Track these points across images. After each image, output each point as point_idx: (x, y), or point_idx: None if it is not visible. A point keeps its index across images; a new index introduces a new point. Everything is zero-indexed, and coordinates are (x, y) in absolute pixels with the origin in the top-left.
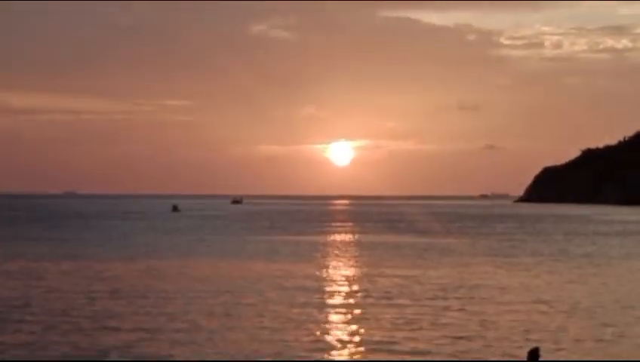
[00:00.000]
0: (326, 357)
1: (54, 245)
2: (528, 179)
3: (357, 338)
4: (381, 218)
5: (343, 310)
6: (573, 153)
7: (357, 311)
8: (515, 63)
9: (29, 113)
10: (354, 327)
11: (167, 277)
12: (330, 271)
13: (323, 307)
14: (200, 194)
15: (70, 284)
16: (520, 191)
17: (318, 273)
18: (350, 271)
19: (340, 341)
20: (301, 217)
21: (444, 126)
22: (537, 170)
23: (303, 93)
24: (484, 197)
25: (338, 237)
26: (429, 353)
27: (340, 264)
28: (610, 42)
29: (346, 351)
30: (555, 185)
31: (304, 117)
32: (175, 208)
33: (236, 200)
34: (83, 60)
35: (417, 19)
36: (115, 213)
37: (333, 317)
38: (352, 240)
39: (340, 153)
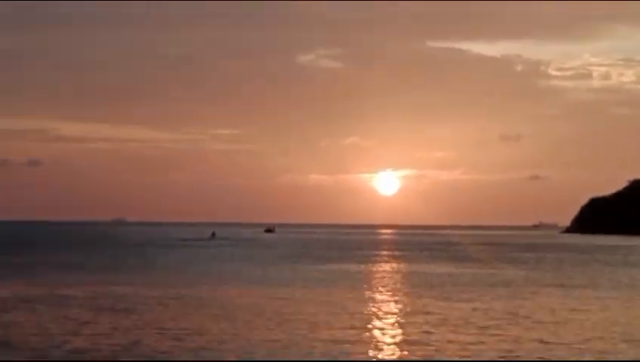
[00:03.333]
0: None
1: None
2: (575, 210)
3: None
4: (435, 247)
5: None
6: (621, 184)
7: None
8: (563, 94)
9: (79, 142)
10: None
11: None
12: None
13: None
14: (244, 221)
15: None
16: (567, 222)
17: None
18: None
19: None
20: (351, 246)
21: (489, 156)
22: (584, 201)
23: (349, 122)
24: (536, 227)
25: (394, 266)
26: None
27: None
28: None
29: None
30: (603, 215)
31: (349, 146)
32: (213, 235)
33: (269, 229)
34: (132, 90)
35: (466, 50)
36: (167, 241)
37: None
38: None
39: (387, 182)
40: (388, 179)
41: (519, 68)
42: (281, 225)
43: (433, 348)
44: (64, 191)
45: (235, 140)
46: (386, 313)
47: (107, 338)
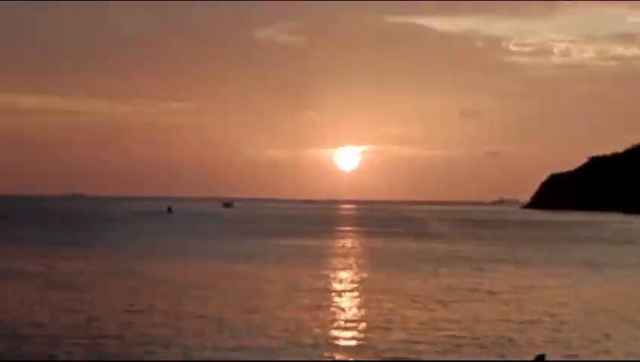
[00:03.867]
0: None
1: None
2: (535, 186)
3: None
4: (394, 223)
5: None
6: (580, 160)
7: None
8: (523, 70)
9: (33, 114)
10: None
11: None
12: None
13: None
14: (201, 196)
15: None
16: (528, 198)
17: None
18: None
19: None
20: (312, 221)
21: (449, 132)
22: (544, 177)
23: (307, 97)
24: (497, 203)
25: (350, 242)
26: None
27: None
28: (619, 50)
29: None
30: (562, 192)
31: (308, 121)
32: (169, 210)
33: (227, 204)
34: (86, 63)
35: (424, 25)
36: (123, 215)
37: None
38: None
39: (347, 158)
40: (348, 155)
41: (479, 44)
42: (240, 200)
43: (390, 324)
44: (18, 164)
45: (190, 114)
46: (344, 289)
47: (58, 315)
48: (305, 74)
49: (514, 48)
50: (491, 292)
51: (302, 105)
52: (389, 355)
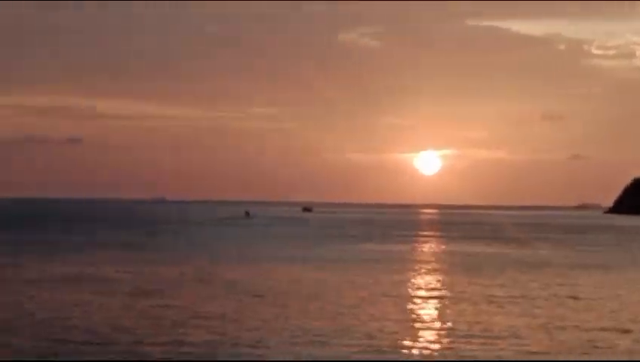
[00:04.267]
0: None
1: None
2: (618, 190)
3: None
4: (475, 227)
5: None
6: None
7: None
8: (605, 73)
9: (115, 119)
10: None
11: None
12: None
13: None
14: (281, 201)
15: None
16: (611, 202)
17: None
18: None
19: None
20: (393, 226)
21: (531, 136)
22: (627, 181)
23: (389, 101)
24: (579, 207)
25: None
26: None
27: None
28: None
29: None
30: None
31: (389, 125)
32: (247, 214)
33: (307, 208)
34: (170, 67)
35: (506, 28)
36: (205, 220)
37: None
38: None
39: (427, 162)
40: (429, 159)
41: (561, 47)
42: (320, 204)
43: (472, 329)
44: (103, 169)
45: (273, 118)
46: (426, 294)
47: (141, 320)
48: (386, 78)
49: (596, 51)
50: (574, 298)
51: (383, 110)
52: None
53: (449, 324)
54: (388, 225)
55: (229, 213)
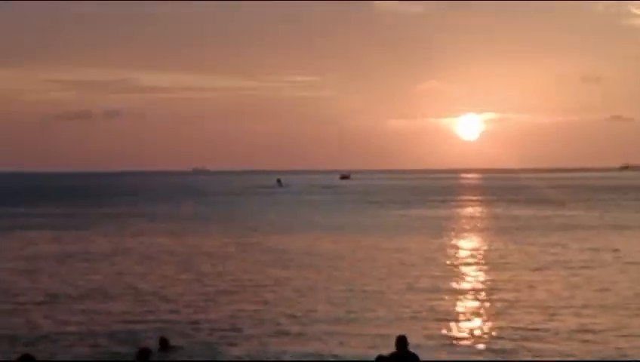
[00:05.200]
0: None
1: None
2: None
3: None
4: (519, 191)
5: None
6: None
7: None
8: None
9: (156, 91)
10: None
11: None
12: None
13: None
14: (322, 169)
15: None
16: None
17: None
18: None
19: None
20: (433, 191)
21: (570, 98)
22: None
23: (428, 67)
24: (623, 168)
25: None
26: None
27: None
28: None
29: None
30: None
31: (429, 90)
32: (279, 182)
33: (344, 176)
34: (209, 39)
35: None
36: (243, 190)
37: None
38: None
39: (468, 126)
40: (469, 123)
41: (600, 7)
42: (359, 172)
43: (517, 291)
44: (144, 141)
45: (313, 87)
46: (467, 259)
47: (187, 289)
48: (425, 43)
49: (635, 11)
50: (617, 258)
51: (423, 75)
52: (515, 324)
53: (486, 288)
54: (427, 191)
55: (266, 183)
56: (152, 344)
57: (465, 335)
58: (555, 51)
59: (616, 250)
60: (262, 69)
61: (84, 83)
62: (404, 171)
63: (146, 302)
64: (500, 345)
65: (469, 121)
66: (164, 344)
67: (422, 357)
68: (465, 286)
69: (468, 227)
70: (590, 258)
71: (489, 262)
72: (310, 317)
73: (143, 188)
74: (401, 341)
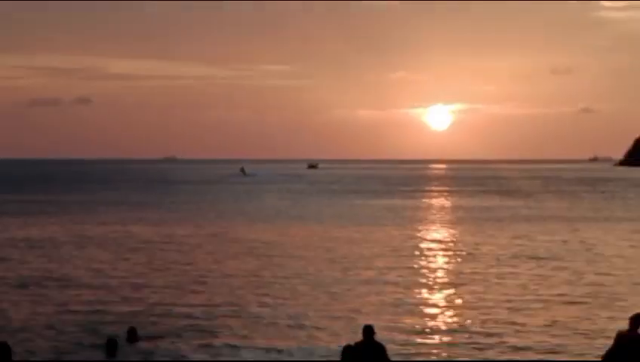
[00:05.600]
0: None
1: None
2: (629, 143)
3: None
4: (486, 182)
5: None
6: None
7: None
8: (615, 25)
9: (127, 79)
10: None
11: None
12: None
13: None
14: (291, 158)
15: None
16: (621, 155)
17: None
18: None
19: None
20: (402, 181)
21: (540, 89)
22: (638, 133)
23: (398, 57)
24: (592, 160)
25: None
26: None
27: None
28: None
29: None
30: None
31: (399, 80)
32: (242, 171)
33: (312, 165)
34: (181, 26)
35: None
36: (210, 178)
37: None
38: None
39: (438, 117)
40: (439, 114)
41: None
42: (329, 161)
43: (482, 285)
44: (114, 129)
45: (284, 76)
46: (433, 249)
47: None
48: (396, 34)
49: (606, 4)
50: (588, 250)
51: (393, 65)
52: (483, 317)
53: (452, 280)
54: (392, 181)
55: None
56: (121, 333)
57: (432, 327)
58: (525, 43)
59: (583, 241)
60: (234, 57)
61: (53, 70)
62: (374, 161)
63: (114, 291)
64: (467, 338)
65: (439, 111)
66: (132, 334)
67: (388, 348)
68: (432, 277)
69: (436, 217)
70: (558, 249)
71: (457, 253)
72: (277, 307)
73: (113, 175)
74: (368, 330)
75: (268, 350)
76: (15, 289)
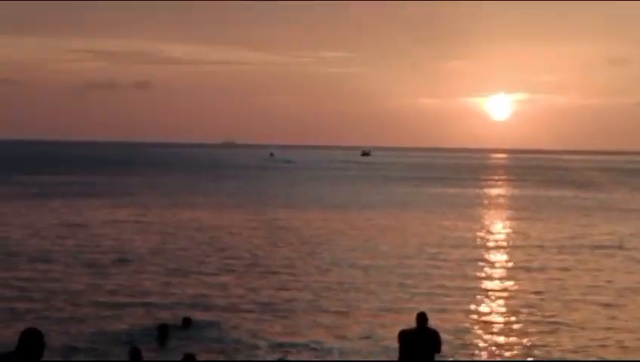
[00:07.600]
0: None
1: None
2: None
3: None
4: (548, 172)
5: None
6: None
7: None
8: None
9: (188, 64)
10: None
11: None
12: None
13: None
14: (348, 145)
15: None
16: None
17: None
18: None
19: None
20: (461, 170)
21: (597, 80)
22: None
23: (458, 46)
24: None
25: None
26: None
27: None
28: None
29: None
30: None
31: (460, 70)
32: (271, 155)
33: (365, 153)
34: (241, 13)
35: None
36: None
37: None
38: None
39: (499, 106)
40: (499, 103)
41: None
42: (386, 149)
43: (547, 274)
44: (173, 113)
45: (343, 64)
46: (493, 240)
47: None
48: (457, 23)
49: None
50: None
51: (454, 54)
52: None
53: (511, 269)
54: (448, 169)
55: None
56: (175, 321)
57: (482, 322)
58: (583, 33)
59: None
60: (293, 43)
61: (111, 53)
62: (432, 149)
63: (170, 276)
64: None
65: (499, 100)
66: (186, 323)
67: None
68: (498, 267)
69: (495, 207)
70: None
71: (519, 243)
72: (326, 295)
73: (168, 159)
74: (421, 316)
75: (326, 341)
76: (71, 268)
